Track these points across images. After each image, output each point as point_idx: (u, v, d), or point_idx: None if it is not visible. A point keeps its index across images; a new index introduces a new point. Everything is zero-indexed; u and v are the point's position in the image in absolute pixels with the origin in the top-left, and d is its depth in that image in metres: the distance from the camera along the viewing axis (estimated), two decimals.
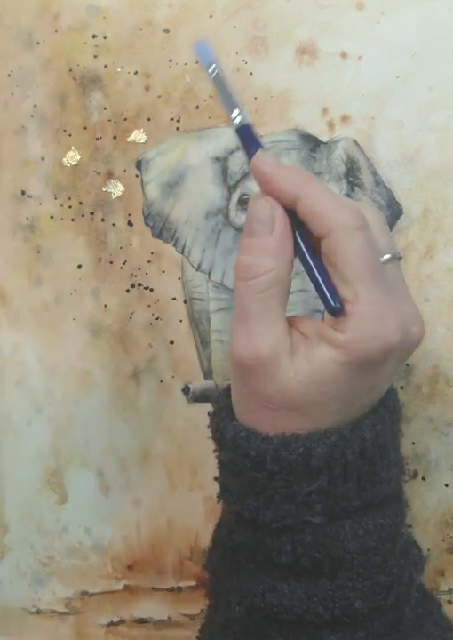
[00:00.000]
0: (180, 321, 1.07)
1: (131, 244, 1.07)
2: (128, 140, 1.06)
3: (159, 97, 1.05)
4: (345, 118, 1.03)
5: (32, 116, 1.07)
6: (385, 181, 1.04)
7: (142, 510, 1.08)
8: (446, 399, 1.03)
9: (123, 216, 1.07)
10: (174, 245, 1.07)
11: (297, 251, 0.71)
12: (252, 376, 0.67)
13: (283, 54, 1.02)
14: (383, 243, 0.71)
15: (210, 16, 1.03)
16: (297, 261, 0.73)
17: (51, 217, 1.07)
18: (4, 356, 1.09)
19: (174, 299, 1.07)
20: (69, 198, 1.07)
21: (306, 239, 0.71)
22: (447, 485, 1.03)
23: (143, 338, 1.07)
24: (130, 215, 1.07)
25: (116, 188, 1.06)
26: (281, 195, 0.70)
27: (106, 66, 1.05)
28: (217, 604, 0.78)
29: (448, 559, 1.03)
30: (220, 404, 0.76)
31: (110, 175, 1.06)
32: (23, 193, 1.08)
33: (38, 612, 1.10)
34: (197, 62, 0.75)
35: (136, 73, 1.05)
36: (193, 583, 1.07)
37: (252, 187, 1.04)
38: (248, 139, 0.73)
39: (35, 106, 1.07)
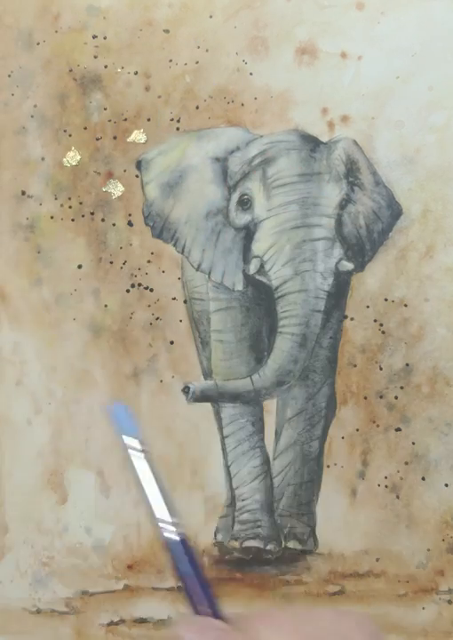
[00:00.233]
0: (180, 321, 1.07)
1: (131, 244, 1.07)
2: (128, 140, 1.06)
3: (159, 97, 1.05)
4: (344, 118, 1.03)
5: (32, 116, 1.07)
6: (385, 181, 1.04)
7: (142, 510, 1.08)
8: (445, 399, 1.03)
9: (123, 216, 1.07)
10: (174, 245, 1.07)
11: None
12: None
13: (283, 54, 1.02)
14: None
15: (211, 16, 1.03)
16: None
17: (52, 217, 1.07)
18: (4, 356, 1.09)
19: (174, 299, 1.07)
20: (69, 198, 1.07)
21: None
22: (447, 485, 1.03)
23: (143, 338, 1.07)
24: (130, 215, 1.07)
25: (116, 188, 1.06)
26: None
27: (106, 66, 1.05)
28: None
29: (448, 559, 1.03)
30: None
31: (110, 175, 1.06)
32: (23, 193, 1.08)
33: (38, 611, 1.10)
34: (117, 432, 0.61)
35: (136, 73, 1.05)
36: None
37: (252, 187, 1.04)
38: (180, 554, 0.58)
39: (35, 106, 1.07)
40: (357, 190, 1.05)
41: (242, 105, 1.04)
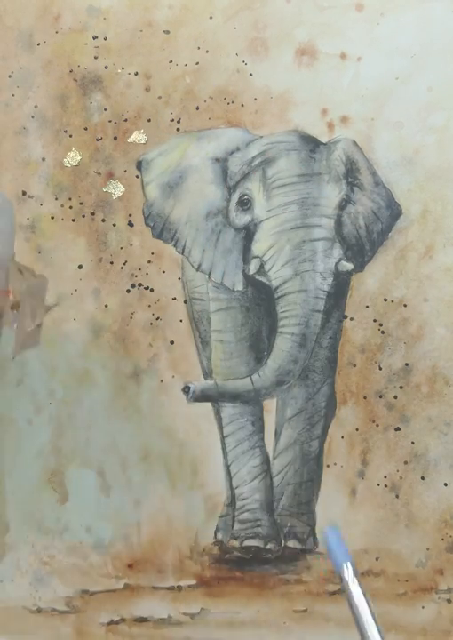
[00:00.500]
0: (180, 321, 1.07)
1: (131, 245, 1.07)
2: (128, 140, 1.06)
3: (159, 98, 1.05)
4: (344, 119, 1.03)
5: (33, 116, 1.07)
6: (385, 182, 1.04)
7: (142, 509, 1.08)
8: (445, 399, 1.04)
9: (123, 216, 1.07)
10: (174, 246, 1.07)
11: None
12: None
13: (283, 55, 1.03)
14: None
15: (211, 17, 1.03)
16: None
17: (52, 217, 1.08)
18: (5, 356, 1.09)
19: (174, 299, 1.07)
20: (70, 199, 1.07)
21: None
22: (446, 485, 1.03)
23: (143, 338, 1.07)
24: (130, 215, 1.07)
25: (117, 189, 1.07)
26: None
27: (106, 67, 1.06)
28: None
29: (447, 558, 1.04)
30: None
31: (111, 176, 1.07)
32: (24, 193, 1.08)
33: (39, 610, 1.10)
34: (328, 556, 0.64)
35: (136, 74, 1.05)
36: (193, 582, 1.08)
37: (252, 187, 1.04)
38: None
39: (35, 107, 1.07)
40: (357, 191, 1.06)
41: (242, 106, 1.04)
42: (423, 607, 1.04)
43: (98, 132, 1.06)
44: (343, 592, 0.59)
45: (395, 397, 1.04)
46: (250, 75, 1.03)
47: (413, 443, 1.04)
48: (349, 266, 1.04)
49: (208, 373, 1.09)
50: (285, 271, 1.04)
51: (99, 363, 1.08)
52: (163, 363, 1.07)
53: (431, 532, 1.04)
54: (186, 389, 1.06)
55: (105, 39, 1.05)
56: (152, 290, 1.07)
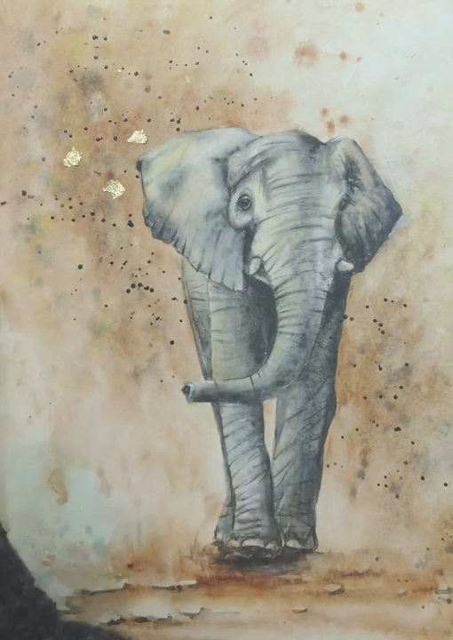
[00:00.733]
0: (180, 321, 1.07)
1: (131, 245, 1.07)
2: (128, 140, 1.06)
3: (159, 98, 1.05)
4: (344, 119, 1.03)
5: (33, 116, 1.07)
6: (385, 182, 1.04)
7: (142, 509, 1.08)
8: (445, 399, 1.04)
9: (123, 216, 1.07)
10: (174, 246, 1.07)
11: None
12: None
13: (283, 55, 1.03)
14: None
15: (211, 17, 1.03)
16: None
17: (52, 217, 1.08)
18: (5, 356, 1.09)
19: (174, 299, 1.07)
20: (70, 199, 1.07)
21: None
22: (446, 485, 1.03)
23: (143, 338, 1.07)
24: (130, 215, 1.07)
25: (117, 189, 1.07)
26: None
27: (106, 67, 1.06)
28: None
29: (447, 558, 1.04)
30: None
31: (111, 176, 1.07)
32: (24, 193, 1.08)
33: None
34: None
35: (136, 74, 1.05)
36: (193, 582, 1.08)
37: (252, 187, 1.04)
38: None
39: (35, 107, 1.07)
40: (357, 191, 1.06)
41: (242, 106, 1.04)
42: (423, 607, 1.04)
43: (98, 132, 1.06)
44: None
45: (395, 397, 1.04)
46: (250, 75, 1.03)
47: (413, 443, 1.04)
48: (349, 266, 1.04)
49: (208, 373, 1.09)
50: (285, 271, 1.04)
51: (99, 363, 1.08)
52: (163, 363, 1.07)
53: (431, 531, 1.04)
54: (186, 389, 1.06)
55: (105, 39, 1.06)
56: (152, 290, 1.07)
